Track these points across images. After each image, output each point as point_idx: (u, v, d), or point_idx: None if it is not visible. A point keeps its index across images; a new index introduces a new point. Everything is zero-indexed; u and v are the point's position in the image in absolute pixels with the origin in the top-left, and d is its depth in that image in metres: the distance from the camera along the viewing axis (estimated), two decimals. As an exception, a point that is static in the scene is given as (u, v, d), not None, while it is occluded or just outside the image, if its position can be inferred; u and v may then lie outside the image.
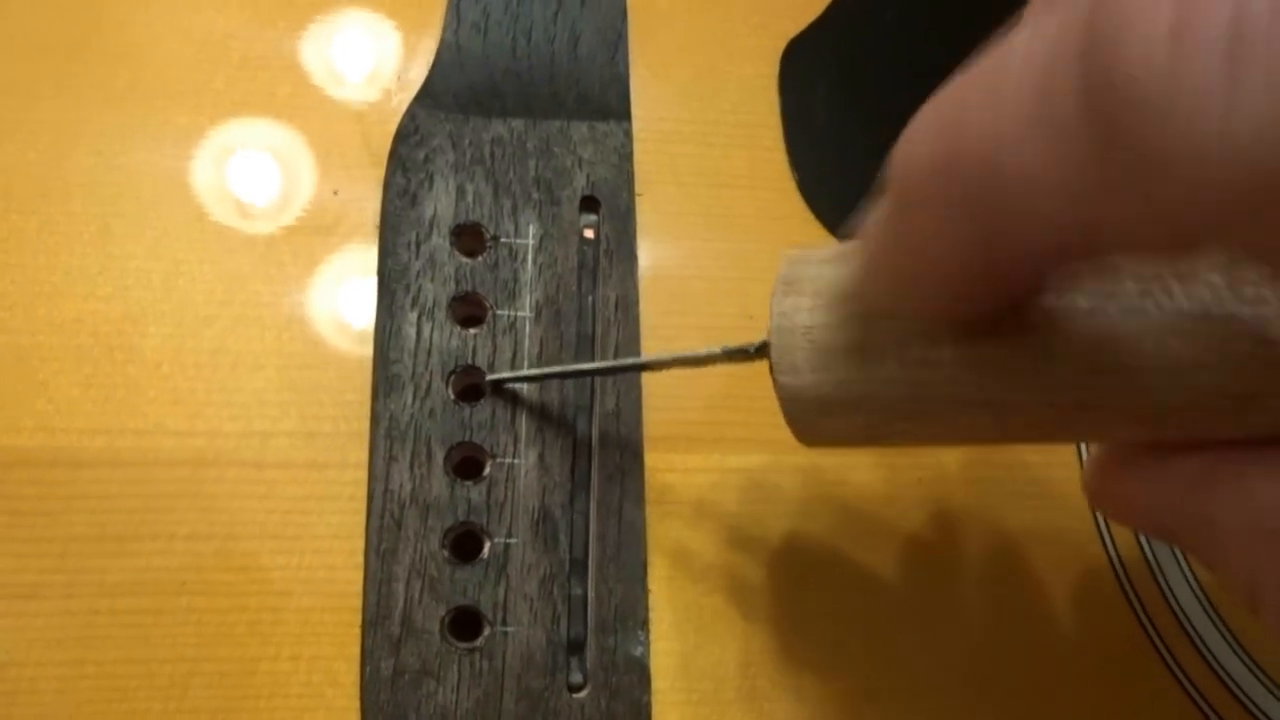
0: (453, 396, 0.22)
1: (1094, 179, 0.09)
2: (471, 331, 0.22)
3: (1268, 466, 0.12)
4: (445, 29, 0.25)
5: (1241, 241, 0.10)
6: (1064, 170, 0.10)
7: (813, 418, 0.16)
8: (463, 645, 0.20)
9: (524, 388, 0.22)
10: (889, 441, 0.17)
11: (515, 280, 0.23)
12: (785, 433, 0.22)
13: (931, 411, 0.15)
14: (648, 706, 0.20)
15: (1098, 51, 0.09)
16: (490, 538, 0.21)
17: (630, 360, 0.22)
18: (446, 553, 0.20)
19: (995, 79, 0.10)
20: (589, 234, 0.24)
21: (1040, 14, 0.10)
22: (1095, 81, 0.09)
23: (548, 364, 0.22)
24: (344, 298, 0.22)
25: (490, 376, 0.22)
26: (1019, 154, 0.10)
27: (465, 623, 0.20)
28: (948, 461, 0.23)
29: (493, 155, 0.24)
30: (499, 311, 0.22)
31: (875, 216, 0.13)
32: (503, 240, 0.23)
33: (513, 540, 0.21)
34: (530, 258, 0.23)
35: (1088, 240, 0.10)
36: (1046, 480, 0.23)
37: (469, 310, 0.23)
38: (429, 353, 0.22)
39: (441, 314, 0.22)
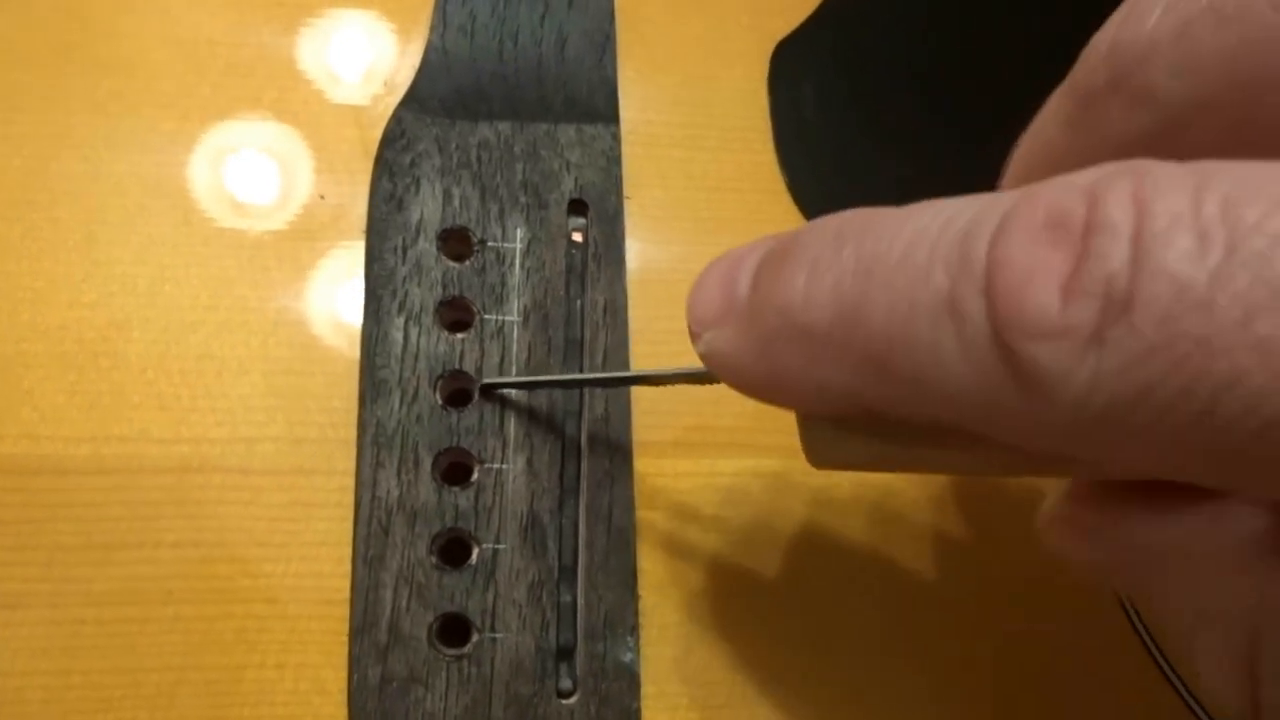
0: (440, 402, 0.21)
1: (983, 386, 0.10)
2: (459, 336, 0.22)
3: (1236, 505, 0.12)
4: (431, 32, 0.25)
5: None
6: (957, 372, 0.11)
7: (829, 438, 0.16)
8: (451, 652, 0.20)
9: (512, 393, 0.22)
10: (905, 468, 0.16)
11: (503, 284, 0.23)
12: (776, 437, 0.22)
13: (949, 441, 0.14)
14: (637, 713, 0.20)
15: (1001, 289, 0.10)
16: (478, 544, 0.21)
17: (629, 373, 0.22)
18: (434, 559, 0.20)
19: (908, 260, 0.11)
20: (577, 237, 0.24)
21: (953, 211, 0.11)
22: (997, 315, 0.10)
23: (536, 368, 0.22)
24: (330, 303, 0.22)
25: (484, 381, 0.22)
26: (918, 347, 0.11)
27: (453, 629, 0.20)
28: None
29: (479, 159, 0.24)
30: (486, 316, 0.22)
31: (740, 326, 0.14)
32: (490, 244, 0.23)
33: (501, 546, 0.21)
34: (518, 262, 0.23)
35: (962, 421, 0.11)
36: (1042, 486, 0.23)
37: (456, 315, 0.22)
38: (416, 358, 0.22)
39: (429, 319, 0.22)
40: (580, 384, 0.22)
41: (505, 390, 0.22)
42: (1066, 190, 0.10)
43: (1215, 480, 0.10)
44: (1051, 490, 0.15)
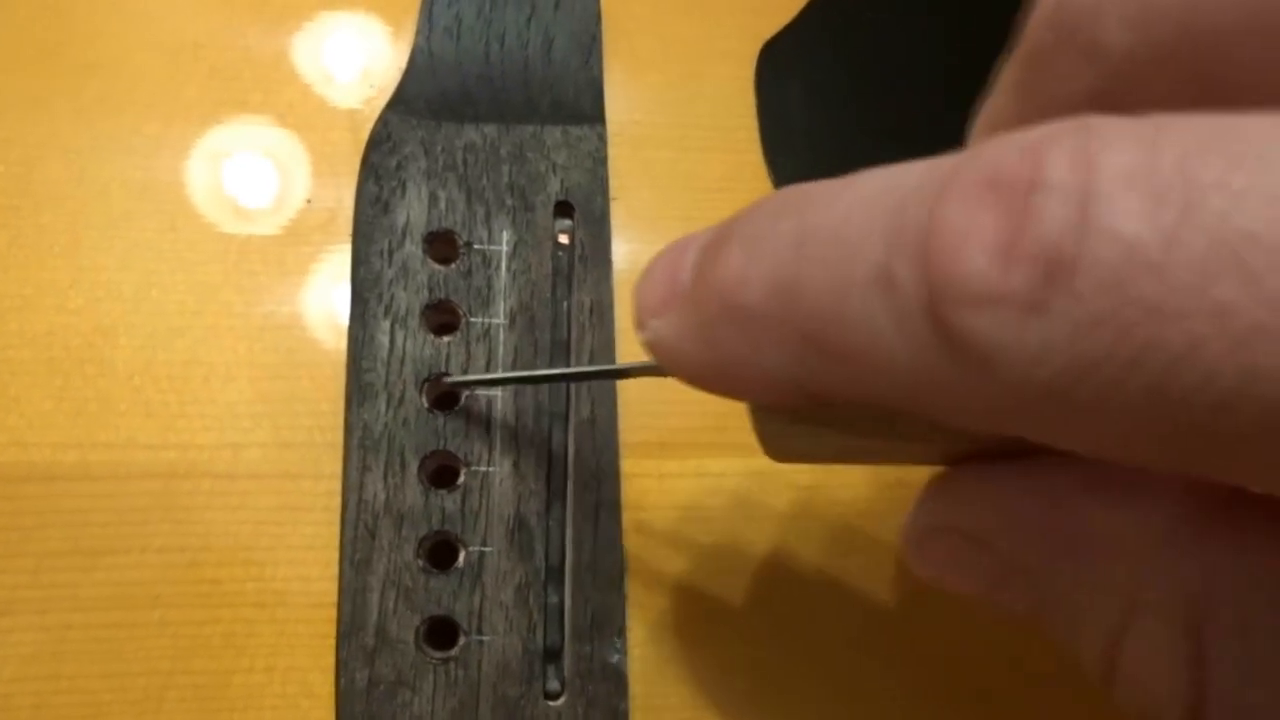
0: (426, 405, 0.21)
1: (920, 362, 0.10)
2: (445, 339, 0.22)
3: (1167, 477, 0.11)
4: (417, 35, 0.25)
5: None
6: (899, 349, 0.10)
7: (782, 431, 0.15)
8: (438, 655, 0.20)
9: (498, 394, 0.22)
10: (866, 460, 0.16)
11: (489, 287, 0.23)
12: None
13: (903, 430, 0.14)
14: (625, 714, 0.20)
15: (935, 255, 0.09)
16: (465, 546, 0.21)
17: (591, 368, 0.22)
18: (421, 562, 0.20)
19: (844, 232, 0.10)
20: (563, 239, 0.24)
21: (886, 178, 0.11)
22: (928, 289, 0.09)
23: (522, 370, 0.22)
24: (316, 307, 0.22)
25: (449, 380, 0.22)
26: (854, 323, 0.10)
27: (440, 632, 0.20)
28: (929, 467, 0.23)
29: (465, 161, 0.24)
30: (473, 319, 0.22)
31: (681, 308, 0.13)
32: (476, 247, 0.23)
33: (488, 549, 0.21)
34: (504, 264, 0.23)
35: (904, 399, 0.11)
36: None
37: (442, 318, 0.22)
38: (402, 361, 0.22)
39: (414, 322, 0.22)
40: (544, 380, 0.22)
41: (487, 392, 0.22)
42: (1008, 149, 0.09)
43: (1170, 462, 0.09)
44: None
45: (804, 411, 0.14)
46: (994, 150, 0.09)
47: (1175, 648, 0.10)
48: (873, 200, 0.10)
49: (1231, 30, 0.10)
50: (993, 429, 0.10)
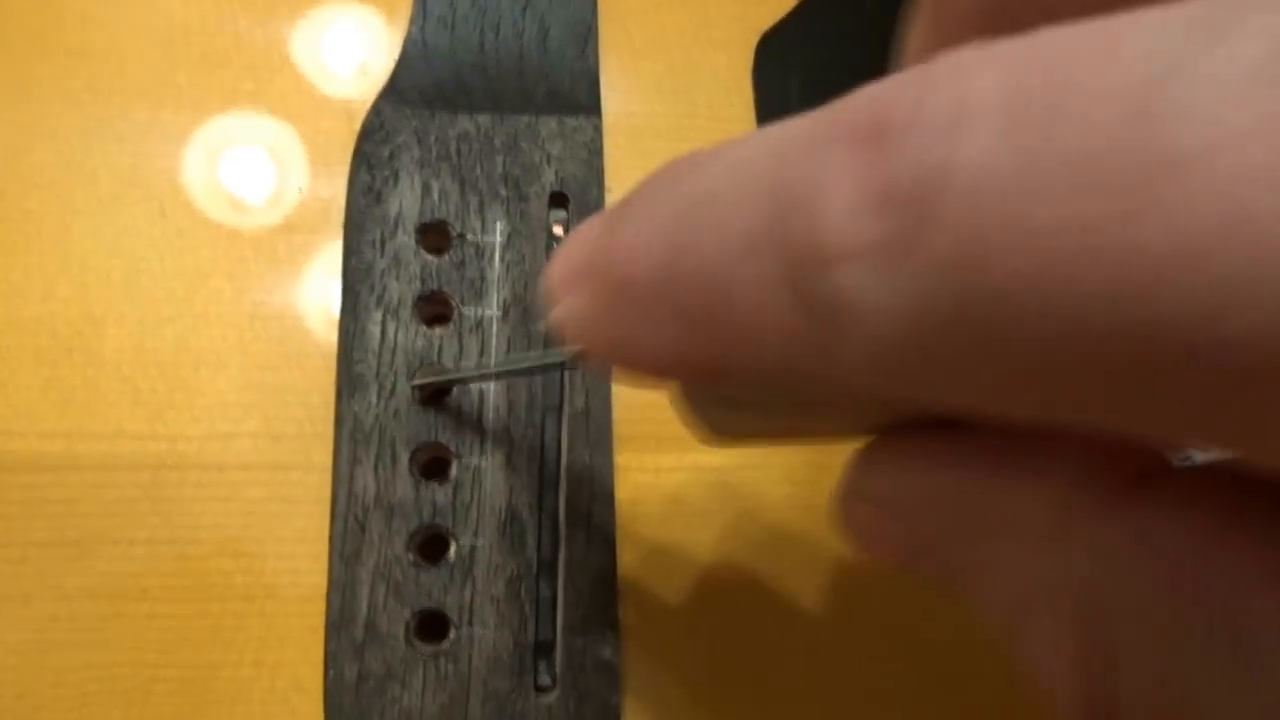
0: (418, 396, 0.21)
1: (793, 326, 0.09)
2: (438, 331, 0.22)
3: (1062, 458, 0.10)
4: (411, 24, 0.25)
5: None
6: (771, 316, 0.09)
7: (702, 412, 0.15)
8: (428, 649, 0.20)
9: (491, 386, 0.22)
10: (799, 439, 0.15)
11: (482, 278, 0.22)
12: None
13: (820, 408, 0.13)
14: (617, 708, 0.20)
15: (797, 212, 0.09)
16: (456, 539, 0.20)
17: (550, 358, 0.21)
18: (412, 555, 0.20)
19: (723, 195, 0.10)
20: (558, 231, 0.23)
21: (761, 139, 0.10)
22: (801, 238, 0.09)
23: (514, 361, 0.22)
24: (308, 297, 0.22)
25: (413, 381, 0.21)
26: (730, 291, 0.10)
27: (431, 626, 0.20)
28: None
29: (459, 151, 0.23)
30: (465, 310, 0.22)
31: (580, 285, 0.12)
32: (469, 238, 0.23)
33: (479, 542, 0.20)
34: (498, 255, 0.23)
35: (792, 369, 0.10)
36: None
37: (435, 309, 0.22)
38: (394, 352, 0.21)
39: (406, 313, 0.22)
40: (503, 375, 0.21)
41: (469, 386, 0.21)
42: (867, 93, 0.09)
43: (1053, 412, 0.08)
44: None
45: (719, 393, 0.14)
46: (859, 96, 0.09)
47: (1066, 645, 0.10)
48: (751, 160, 0.10)
49: None
50: (878, 394, 0.09)
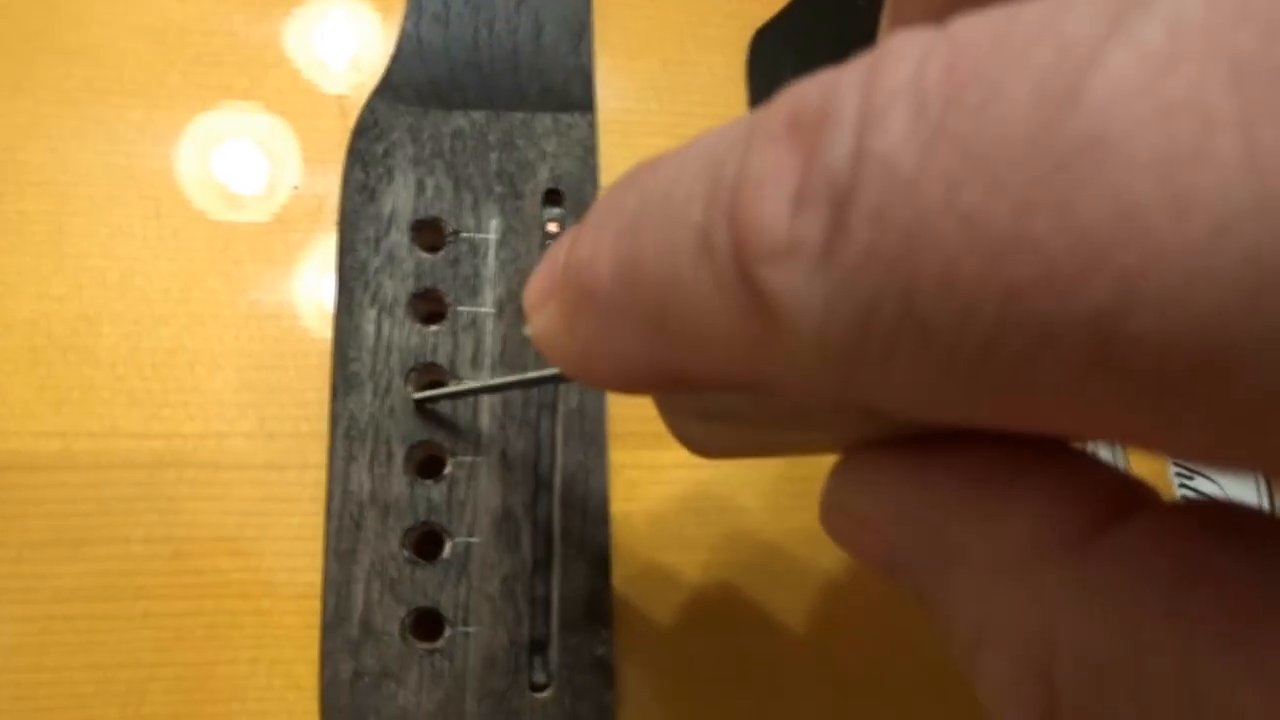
0: (413, 394, 0.21)
1: (737, 327, 0.09)
2: (432, 329, 0.22)
3: (1027, 494, 0.10)
4: (406, 20, 0.25)
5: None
6: (718, 319, 0.09)
7: (685, 426, 0.15)
8: (423, 646, 0.20)
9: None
10: (783, 451, 0.15)
11: (477, 276, 0.22)
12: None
13: (798, 420, 0.13)
14: (612, 705, 0.20)
15: (738, 208, 0.09)
16: (451, 537, 0.20)
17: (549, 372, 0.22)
18: (407, 553, 0.20)
19: (672, 197, 0.10)
20: (552, 228, 0.23)
21: (705, 143, 0.10)
22: (736, 240, 0.09)
23: (509, 361, 0.22)
24: (303, 295, 0.22)
25: (415, 395, 0.21)
26: (683, 294, 0.09)
27: (426, 623, 0.20)
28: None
29: (453, 149, 0.23)
30: (460, 308, 0.22)
31: (547, 300, 0.12)
32: (464, 235, 0.23)
33: (474, 540, 0.20)
34: (492, 253, 0.23)
35: (746, 375, 0.10)
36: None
37: (430, 307, 0.22)
38: (389, 350, 0.21)
39: (401, 311, 0.22)
40: (510, 388, 0.21)
41: (434, 403, 0.21)
42: (808, 85, 0.08)
43: (984, 417, 0.08)
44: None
45: (701, 408, 0.13)
46: (797, 88, 0.09)
47: (1018, 690, 0.09)
48: (698, 159, 0.10)
49: None
50: (823, 397, 0.09)
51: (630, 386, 0.12)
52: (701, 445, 0.15)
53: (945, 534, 0.10)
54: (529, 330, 0.13)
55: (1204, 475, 0.25)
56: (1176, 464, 0.24)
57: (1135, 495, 0.10)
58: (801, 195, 0.08)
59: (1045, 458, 0.10)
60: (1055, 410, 0.07)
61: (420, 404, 0.21)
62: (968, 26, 0.07)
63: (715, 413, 0.13)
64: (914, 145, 0.07)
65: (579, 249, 0.11)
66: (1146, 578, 0.09)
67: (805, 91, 0.08)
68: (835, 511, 0.12)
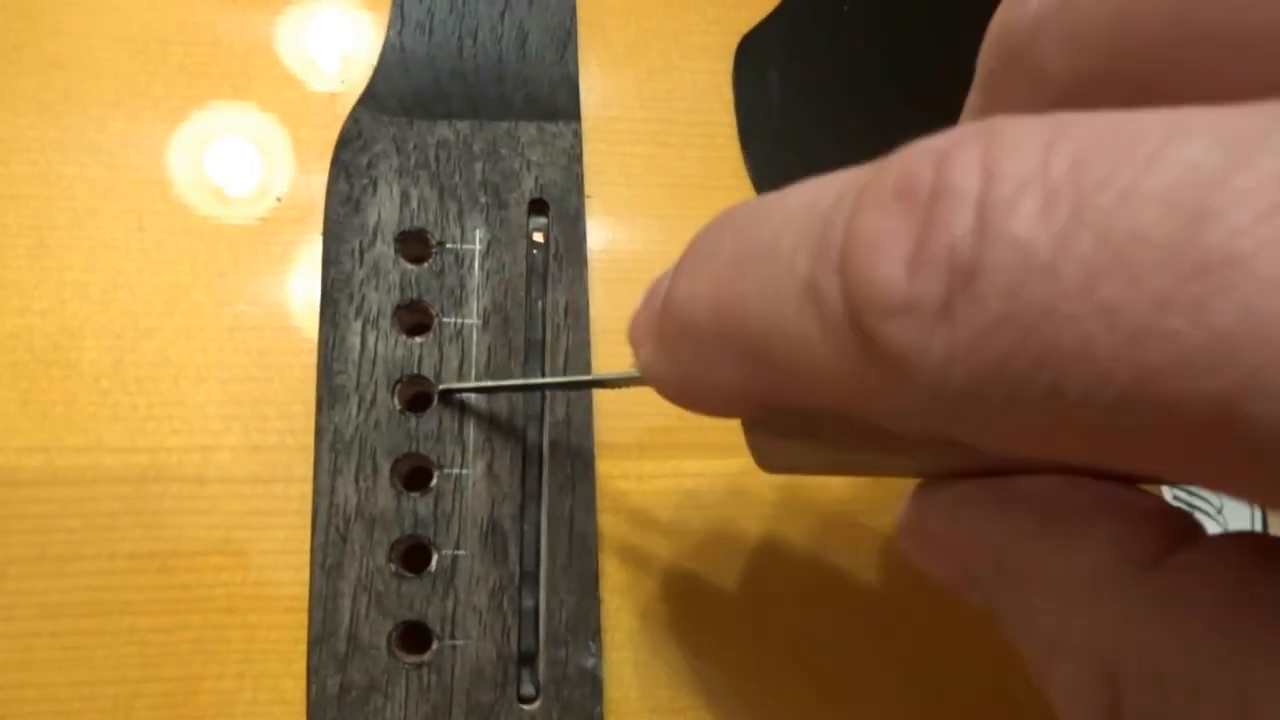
0: (399, 407, 0.21)
1: (848, 370, 0.10)
2: (418, 340, 0.22)
3: (1099, 524, 0.11)
4: (389, 29, 0.25)
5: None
6: (824, 358, 0.10)
7: (768, 444, 0.16)
8: (411, 660, 0.20)
9: (471, 396, 0.21)
10: (853, 471, 0.16)
11: (462, 287, 0.22)
12: (738, 437, 0.22)
13: (890, 444, 0.14)
14: (600, 718, 0.20)
15: (851, 266, 0.10)
16: (438, 550, 0.20)
17: (588, 377, 0.22)
18: (393, 566, 0.20)
19: (776, 246, 0.11)
20: (538, 238, 0.23)
21: (818, 188, 0.11)
22: (847, 295, 0.10)
23: (496, 371, 0.22)
24: (287, 308, 0.22)
25: (441, 386, 0.21)
26: (788, 336, 0.11)
27: (413, 637, 0.20)
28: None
29: (438, 159, 0.23)
30: (445, 319, 0.22)
31: (649, 334, 0.14)
32: (449, 246, 0.23)
33: (461, 552, 0.20)
34: (477, 263, 0.23)
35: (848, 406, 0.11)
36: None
37: (415, 318, 0.22)
38: (374, 362, 0.21)
39: (386, 323, 0.22)
40: (538, 387, 0.22)
41: (464, 395, 0.21)
42: (918, 156, 0.09)
43: (1090, 457, 0.09)
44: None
45: (788, 427, 0.14)
46: (904, 158, 0.10)
47: (1088, 694, 0.11)
48: (800, 213, 0.11)
49: (1161, 45, 0.11)
50: (925, 431, 0.10)
51: (729, 411, 0.13)
52: (771, 460, 0.16)
53: (1021, 557, 0.12)
54: (637, 363, 0.15)
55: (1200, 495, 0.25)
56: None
57: (1185, 525, 0.11)
58: (917, 260, 0.09)
59: (1110, 491, 0.12)
60: (1162, 460, 0.08)
61: (445, 395, 0.21)
62: (1083, 125, 0.09)
63: (799, 433, 0.14)
64: (1049, 233, 0.08)
65: (676, 290, 0.12)
66: (1203, 599, 0.10)
67: (915, 160, 0.09)
68: (913, 534, 0.14)
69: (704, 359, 0.12)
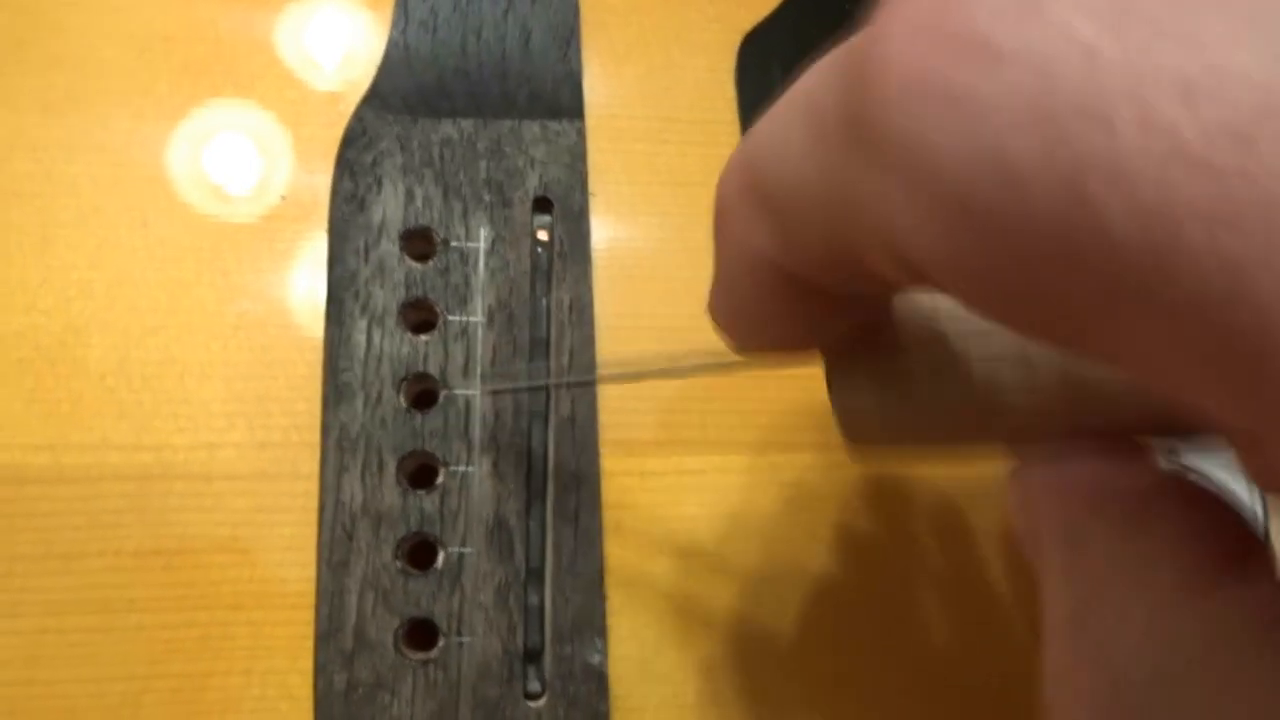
0: (404, 404, 0.21)
1: (852, 187, 0.10)
2: (423, 338, 0.22)
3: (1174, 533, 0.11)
4: (393, 28, 0.25)
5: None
6: (828, 175, 0.10)
7: (874, 432, 0.15)
8: (417, 656, 0.20)
9: (476, 392, 0.22)
10: (942, 454, 0.16)
11: (466, 285, 0.22)
12: (744, 434, 0.22)
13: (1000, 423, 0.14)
14: (606, 714, 0.20)
15: (857, 63, 0.09)
16: (444, 547, 0.20)
17: (647, 369, 0.21)
18: (400, 563, 0.20)
19: (793, 99, 0.11)
20: (542, 235, 0.23)
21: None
22: (851, 88, 0.09)
23: (500, 369, 0.22)
24: (292, 305, 0.22)
25: (488, 388, 0.21)
26: (793, 166, 0.11)
27: (419, 634, 0.20)
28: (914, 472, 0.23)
29: (442, 157, 0.23)
30: (450, 317, 0.22)
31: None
32: (453, 244, 0.23)
33: (467, 549, 0.20)
34: (482, 261, 0.23)
35: (856, 254, 0.11)
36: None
37: (420, 316, 0.22)
38: (379, 360, 0.21)
39: (391, 321, 0.22)
40: (585, 384, 0.22)
41: (468, 394, 0.21)
42: None
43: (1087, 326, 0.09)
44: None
45: (897, 435, 0.15)
46: None
47: (1086, 689, 0.11)
48: (818, 68, 0.11)
49: None
50: (898, 273, 0.10)
51: (766, 319, 0.13)
52: (858, 432, 0.15)
53: (1122, 559, 0.12)
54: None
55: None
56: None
57: (1250, 543, 0.11)
58: (935, 36, 0.09)
59: (1189, 494, 0.12)
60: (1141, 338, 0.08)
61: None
62: None
63: (909, 438, 0.15)
64: (1097, 27, 0.08)
65: (719, 186, 0.13)
66: (1263, 603, 0.10)
67: None
68: (1012, 480, 0.14)
69: (739, 233, 0.12)
